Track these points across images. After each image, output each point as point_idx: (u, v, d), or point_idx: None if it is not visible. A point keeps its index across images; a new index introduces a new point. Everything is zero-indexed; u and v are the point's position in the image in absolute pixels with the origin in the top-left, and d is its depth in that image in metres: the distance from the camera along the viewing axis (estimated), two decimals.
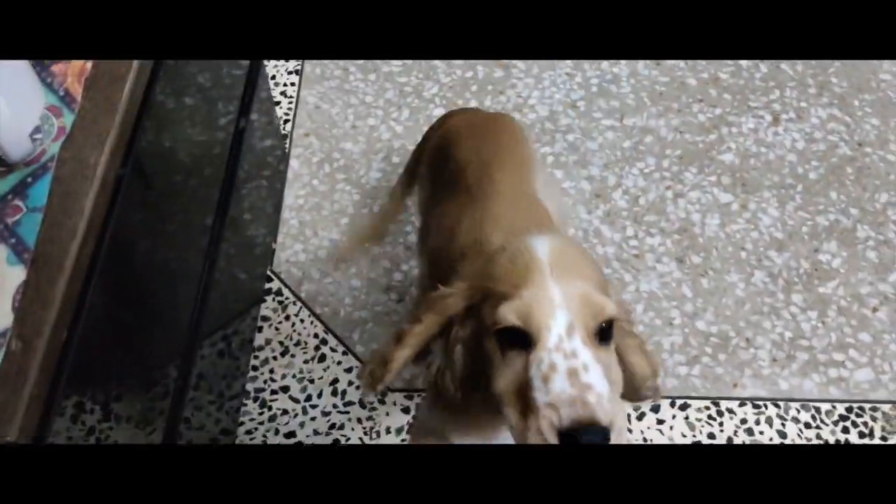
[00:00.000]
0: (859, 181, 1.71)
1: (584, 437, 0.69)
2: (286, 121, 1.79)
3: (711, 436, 1.40)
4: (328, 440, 1.39)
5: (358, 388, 1.44)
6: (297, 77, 1.87)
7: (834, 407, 1.44)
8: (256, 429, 1.40)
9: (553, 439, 0.70)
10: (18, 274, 0.74)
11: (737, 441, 1.39)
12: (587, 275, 0.79)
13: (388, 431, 1.40)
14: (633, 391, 0.87)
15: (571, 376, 0.71)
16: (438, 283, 0.90)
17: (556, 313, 0.74)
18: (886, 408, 1.44)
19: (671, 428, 1.41)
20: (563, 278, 0.76)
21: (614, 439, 0.70)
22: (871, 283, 1.58)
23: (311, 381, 1.45)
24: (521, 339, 0.75)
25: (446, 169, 1.20)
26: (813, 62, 1.90)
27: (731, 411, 1.43)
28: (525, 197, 1.15)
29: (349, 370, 1.46)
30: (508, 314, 0.75)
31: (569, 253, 0.81)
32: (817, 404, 1.44)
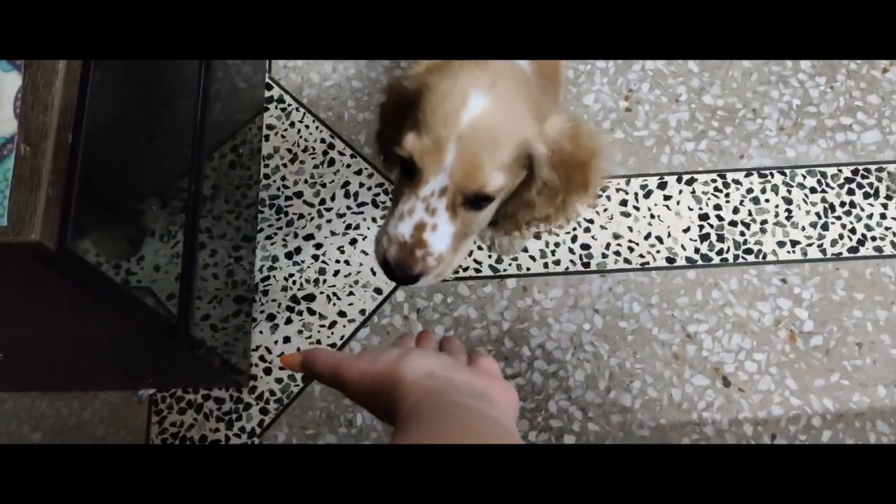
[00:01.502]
0: None
1: (395, 270, 0.85)
2: None
3: (718, 207, 1.43)
4: (346, 240, 1.43)
5: (370, 189, 1.47)
6: None
7: (840, 170, 1.45)
8: (276, 234, 1.45)
9: (379, 260, 0.86)
10: (14, 80, 0.74)
11: (742, 210, 1.42)
12: (498, 143, 0.82)
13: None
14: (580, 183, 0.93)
15: (418, 228, 0.83)
16: None
17: (439, 172, 0.81)
18: (892, 167, 1.45)
19: (678, 203, 1.43)
20: (465, 144, 0.80)
21: (428, 282, 0.87)
22: None
23: (323, 185, 1.48)
24: (412, 170, 0.83)
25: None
26: None
27: (737, 182, 1.45)
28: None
29: (359, 172, 1.48)
30: (409, 144, 0.82)
31: (495, 119, 0.82)
32: (823, 169, 1.45)
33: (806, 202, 1.43)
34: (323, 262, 1.42)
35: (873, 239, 1.40)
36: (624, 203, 1.44)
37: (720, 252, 1.40)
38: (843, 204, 1.43)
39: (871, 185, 1.44)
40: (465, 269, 1.41)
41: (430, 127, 0.81)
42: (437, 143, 0.81)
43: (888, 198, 1.43)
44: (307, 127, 1.52)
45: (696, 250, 1.40)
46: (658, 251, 1.40)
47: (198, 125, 1.25)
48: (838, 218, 1.42)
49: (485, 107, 0.81)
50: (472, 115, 0.80)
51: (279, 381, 1.35)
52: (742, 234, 1.41)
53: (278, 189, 1.48)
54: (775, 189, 1.44)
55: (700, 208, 1.43)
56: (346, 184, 1.47)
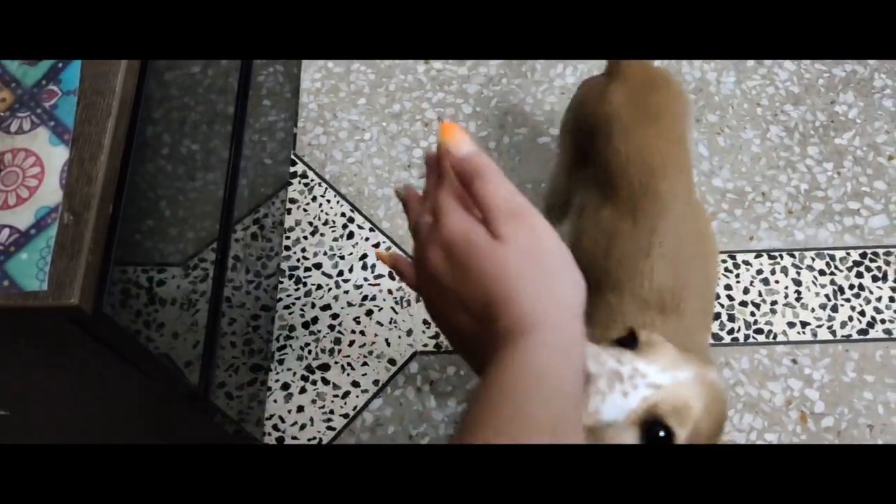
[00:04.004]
0: None
1: None
2: None
3: (728, 287, 1.45)
4: (362, 311, 1.46)
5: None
6: None
7: (848, 254, 1.48)
8: (294, 304, 1.48)
9: None
10: (62, 154, 0.78)
11: (752, 290, 1.45)
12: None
13: (417, 300, 1.47)
14: None
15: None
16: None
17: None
18: None
19: None
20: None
21: None
22: (887, 132, 1.59)
23: (342, 258, 1.52)
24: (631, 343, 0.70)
25: (601, 156, 1.05)
26: None
27: (747, 263, 1.48)
28: (692, 219, 1.03)
29: (377, 245, 1.52)
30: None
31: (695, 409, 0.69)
32: (832, 252, 1.48)
33: (815, 284, 1.45)
34: (339, 332, 1.45)
35: (882, 322, 1.42)
36: None
37: (731, 332, 1.42)
38: (851, 286, 1.45)
39: (879, 268, 1.46)
40: None
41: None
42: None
43: None
44: (328, 201, 1.57)
45: None
46: None
47: (226, 198, 1.30)
48: (847, 300, 1.44)
49: (684, 393, 0.69)
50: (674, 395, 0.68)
51: None
52: (752, 314, 1.43)
53: (298, 260, 1.52)
54: (785, 271, 1.47)
55: None
56: (364, 256, 1.51)
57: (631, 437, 0.67)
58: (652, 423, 0.67)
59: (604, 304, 0.94)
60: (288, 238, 1.54)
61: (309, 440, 1.36)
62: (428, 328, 1.44)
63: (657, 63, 1.30)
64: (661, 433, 0.67)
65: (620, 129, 1.04)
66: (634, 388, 0.66)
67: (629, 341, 0.70)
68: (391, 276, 1.49)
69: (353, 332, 1.45)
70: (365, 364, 1.42)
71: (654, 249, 0.96)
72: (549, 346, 0.46)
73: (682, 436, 0.67)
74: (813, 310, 1.43)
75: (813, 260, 1.48)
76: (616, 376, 0.66)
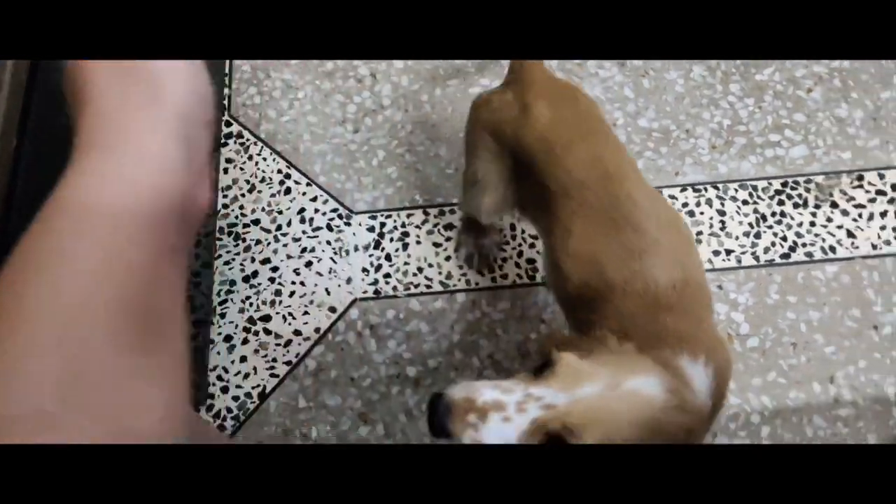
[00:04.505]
0: None
1: None
2: None
3: None
4: (301, 262, 1.50)
5: (324, 214, 1.54)
6: None
7: (770, 183, 1.53)
8: (233, 259, 1.51)
9: None
10: None
11: None
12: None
13: (356, 249, 1.51)
14: None
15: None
16: (581, 314, 0.98)
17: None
18: (819, 179, 1.53)
19: None
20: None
21: None
22: (805, 66, 1.64)
23: (280, 213, 1.55)
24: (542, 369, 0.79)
25: (548, 177, 1.05)
26: None
27: (673, 198, 1.52)
28: (663, 208, 1.06)
29: (314, 199, 1.56)
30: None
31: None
32: (754, 182, 1.53)
33: (739, 213, 1.50)
34: (279, 283, 1.48)
35: (804, 245, 1.47)
36: None
37: None
38: (774, 214, 1.50)
39: (799, 195, 1.52)
40: (416, 287, 1.47)
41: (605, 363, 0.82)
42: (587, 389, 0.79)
43: (817, 207, 1.50)
44: (265, 159, 1.60)
45: None
46: None
47: None
48: (770, 227, 1.49)
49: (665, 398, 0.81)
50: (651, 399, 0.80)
51: (236, 398, 1.39)
52: None
53: (236, 217, 1.55)
54: (709, 202, 1.51)
55: None
56: (302, 210, 1.55)
57: None
58: (552, 437, 0.76)
59: (612, 312, 0.95)
60: (226, 196, 1.57)
61: (253, 388, 1.40)
62: (367, 276, 1.48)
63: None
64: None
65: (563, 147, 1.04)
66: (523, 413, 0.75)
67: (545, 367, 0.79)
68: (329, 228, 1.53)
69: (293, 283, 1.48)
70: (306, 313, 1.46)
71: (645, 248, 0.97)
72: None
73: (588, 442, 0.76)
74: (737, 238, 1.48)
75: (736, 191, 1.53)
76: (495, 406, 0.76)
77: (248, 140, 1.62)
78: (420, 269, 1.48)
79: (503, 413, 0.76)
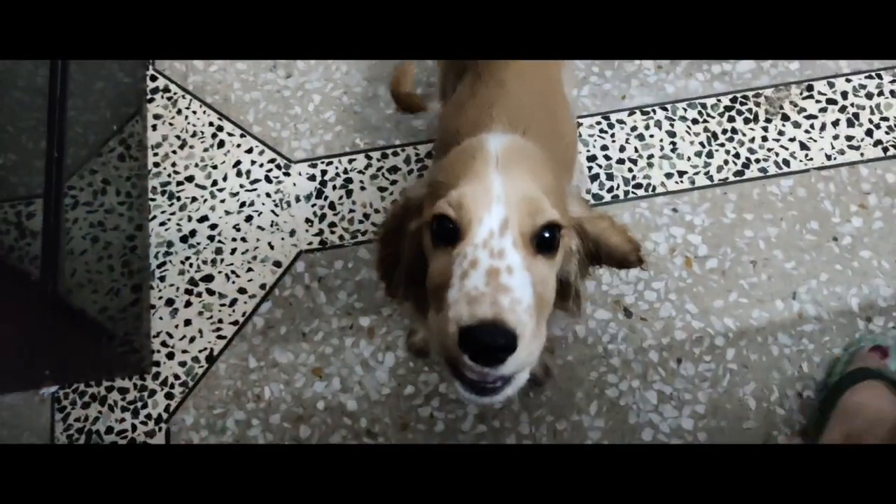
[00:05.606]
0: None
1: (483, 336, 0.61)
2: None
3: (604, 147, 1.45)
4: (241, 218, 1.43)
5: (262, 165, 1.47)
6: None
7: (719, 100, 1.49)
8: (169, 219, 1.43)
9: (454, 336, 0.63)
10: None
11: (628, 147, 1.45)
12: (540, 177, 0.73)
13: (297, 200, 1.44)
14: (623, 264, 0.85)
15: (490, 275, 0.64)
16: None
17: (491, 206, 0.68)
18: (769, 92, 1.49)
19: None
20: (509, 173, 0.70)
21: (519, 358, 0.63)
22: None
23: (215, 167, 1.47)
24: (453, 235, 0.70)
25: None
26: None
27: (621, 122, 1.47)
28: (545, 83, 1.04)
29: (249, 151, 1.48)
30: (442, 204, 0.69)
31: (526, 152, 0.75)
32: (703, 100, 1.49)
33: (689, 133, 1.46)
34: (219, 241, 1.41)
35: (757, 161, 1.43)
36: None
37: (610, 190, 1.42)
38: (724, 131, 1.46)
39: (749, 110, 1.47)
40: (364, 234, 1.41)
41: (458, 176, 0.71)
42: (477, 177, 0.70)
43: (767, 121, 1.46)
44: (194, 113, 1.51)
45: (588, 191, 1.42)
46: None
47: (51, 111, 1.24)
48: (721, 145, 1.45)
49: (508, 142, 0.75)
50: (497, 147, 0.73)
51: (182, 364, 1.33)
52: (630, 170, 1.43)
53: (169, 175, 1.46)
54: (658, 124, 1.47)
55: (588, 150, 1.45)
56: (238, 163, 1.47)
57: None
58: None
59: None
60: (156, 155, 1.48)
61: (200, 351, 1.33)
62: (311, 226, 1.41)
63: None
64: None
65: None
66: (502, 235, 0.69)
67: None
68: (268, 180, 1.45)
69: (234, 239, 1.41)
70: (250, 270, 1.39)
71: (500, 96, 0.94)
72: None
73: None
74: (689, 158, 1.44)
75: (685, 110, 1.48)
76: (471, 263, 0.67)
77: (175, 94, 1.53)
78: (367, 216, 1.42)
79: (504, 271, 0.65)
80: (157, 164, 1.47)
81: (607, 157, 1.44)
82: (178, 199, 1.45)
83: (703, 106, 1.48)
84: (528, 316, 0.64)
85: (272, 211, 1.43)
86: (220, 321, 1.36)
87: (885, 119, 1.46)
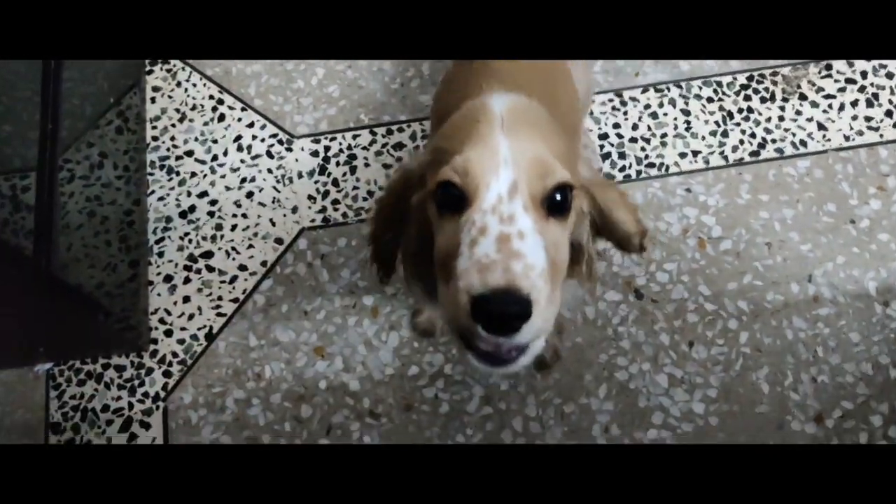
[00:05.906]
0: None
1: (496, 305, 0.58)
2: None
3: (616, 125, 1.41)
4: (241, 194, 1.39)
5: (263, 140, 1.43)
6: None
7: (735, 78, 1.45)
8: (168, 194, 1.39)
9: (465, 306, 0.59)
10: None
11: (641, 126, 1.41)
12: (548, 137, 0.69)
13: (300, 176, 1.40)
14: (623, 244, 0.82)
15: (501, 241, 0.61)
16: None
17: (499, 170, 0.64)
18: (786, 70, 1.45)
19: None
20: (515, 135, 0.67)
21: (535, 326, 0.60)
22: None
23: (215, 142, 1.43)
24: (460, 202, 0.66)
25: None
26: None
27: (634, 99, 1.43)
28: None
29: (251, 125, 1.44)
30: (447, 170, 0.66)
31: (532, 112, 0.72)
32: (719, 78, 1.45)
33: (704, 112, 1.42)
34: (219, 217, 1.37)
35: (773, 141, 1.39)
36: None
37: (622, 169, 1.38)
38: (741, 110, 1.42)
39: (766, 89, 1.43)
40: (368, 211, 1.37)
41: (463, 141, 0.67)
42: (482, 140, 0.66)
43: (784, 100, 1.42)
44: (194, 85, 1.47)
45: (599, 170, 1.38)
46: None
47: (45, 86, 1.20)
48: (737, 124, 1.41)
49: (511, 102, 0.71)
50: (501, 109, 0.69)
51: (181, 342, 1.29)
52: (643, 149, 1.39)
53: (168, 150, 1.43)
54: (672, 102, 1.43)
55: (599, 128, 1.41)
56: (238, 137, 1.43)
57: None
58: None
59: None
60: (155, 128, 1.44)
61: (199, 329, 1.30)
62: (313, 203, 1.38)
63: None
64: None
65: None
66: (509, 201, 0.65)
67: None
68: (269, 155, 1.42)
69: (235, 216, 1.38)
70: (251, 247, 1.35)
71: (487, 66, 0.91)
72: None
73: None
74: (703, 138, 1.40)
75: (700, 88, 1.44)
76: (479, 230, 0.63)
77: (174, 66, 1.49)
78: (371, 193, 1.38)
79: (516, 236, 0.62)
80: (155, 138, 1.44)
81: (619, 136, 1.40)
82: (178, 173, 1.41)
83: (719, 84, 1.44)
84: (543, 281, 0.61)
85: (274, 187, 1.39)
86: (220, 298, 1.32)
87: None
